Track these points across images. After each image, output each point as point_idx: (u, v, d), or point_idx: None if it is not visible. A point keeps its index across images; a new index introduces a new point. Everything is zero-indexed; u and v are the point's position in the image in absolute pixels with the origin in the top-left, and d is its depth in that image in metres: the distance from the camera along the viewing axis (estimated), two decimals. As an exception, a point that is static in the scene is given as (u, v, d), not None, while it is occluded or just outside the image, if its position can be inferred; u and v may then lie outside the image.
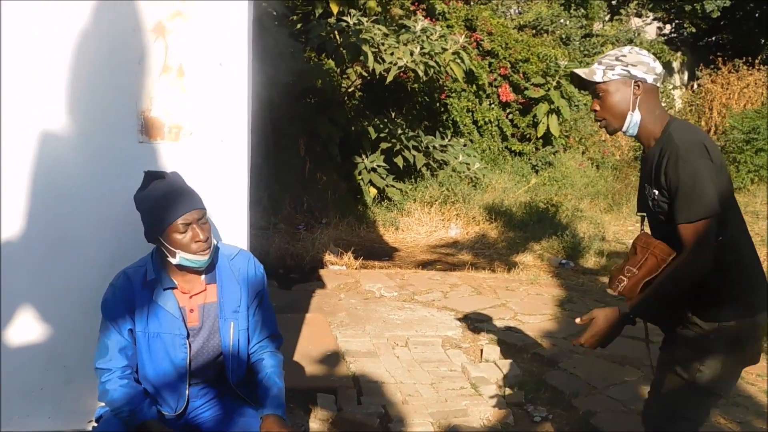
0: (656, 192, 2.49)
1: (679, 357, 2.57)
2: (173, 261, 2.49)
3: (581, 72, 2.57)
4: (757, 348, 2.55)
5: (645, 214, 2.65)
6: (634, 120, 2.53)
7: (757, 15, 17.87)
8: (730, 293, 2.46)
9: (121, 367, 2.51)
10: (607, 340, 2.57)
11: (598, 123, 2.64)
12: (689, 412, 2.59)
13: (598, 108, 2.58)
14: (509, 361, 4.74)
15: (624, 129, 2.57)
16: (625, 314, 2.51)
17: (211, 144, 2.97)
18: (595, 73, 2.54)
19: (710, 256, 2.37)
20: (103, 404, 2.57)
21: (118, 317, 2.50)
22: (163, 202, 2.46)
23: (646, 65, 2.52)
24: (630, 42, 15.63)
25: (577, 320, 2.63)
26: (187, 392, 2.58)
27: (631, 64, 2.51)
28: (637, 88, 2.51)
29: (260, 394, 2.62)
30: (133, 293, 2.52)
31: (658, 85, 2.57)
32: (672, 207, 2.42)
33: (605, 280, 7.19)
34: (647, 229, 2.67)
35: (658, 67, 2.55)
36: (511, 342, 5.13)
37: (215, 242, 2.58)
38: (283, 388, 2.67)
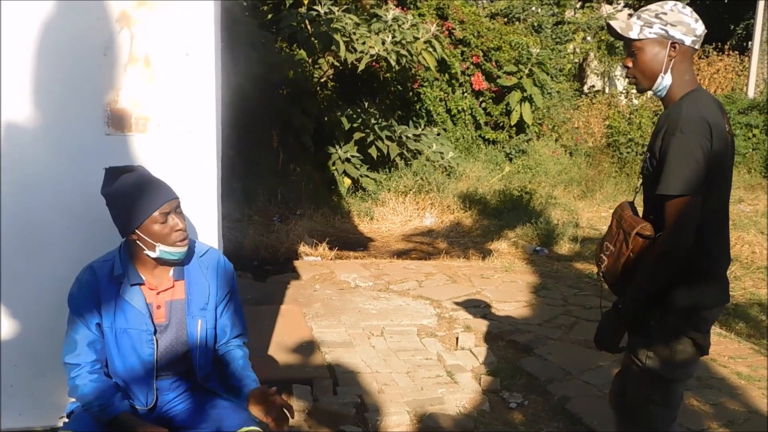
0: (649, 154, 2.46)
1: (632, 344, 2.57)
2: (152, 254, 2.45)
3: (616, 25, 2.46)
4: (707, 340, 2.51)
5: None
6: (664, 83, 2.44)
7: (726, 1, 18.03)
8: (685, 281, 2.40)
9: (91, 361, 2.47)
10: (612, 341, 2.54)
11: (628, 79, 2.54)
12: (656, 396, 2.57)
13: (630, 65, 2.48)
14: (484, 348, 4.76)
15: (654, 90, 2.48)
16: (617, 308, 2.48)
17: (179, 135, 2.93)
18: (632, 28, 2.42)
19: (690, 238, 2.32)
20: (73, 400, 2.54)
21: (85, 312, 2.46)
22: (137, 194, 2.41)
23: (686, 26, 2.39)
24: (602, 29, 15.69)
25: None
26: (155, 387, 2.55)
27: (671, 23, 2.38)
28: (673, 49, 2.40)
29: (234, 383, 2.60)
30: (98, 288, 2.48)
31: (696, 47, 2.44)
32: (657, 175, 2.36)
33: (579, 266, 7.25)
34: (640, 196, 2.62)
35: (699, 28, 2.42)
36: (486, 330, 5.15)
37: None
38: (255, 377, 2.66)
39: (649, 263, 2.37)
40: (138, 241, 2.44)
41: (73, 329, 2.49)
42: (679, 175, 2.28)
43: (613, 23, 2.47)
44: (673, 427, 2.65)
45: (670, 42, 2.39)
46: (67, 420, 2.56)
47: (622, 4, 18.75)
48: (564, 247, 8.08)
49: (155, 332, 2.51)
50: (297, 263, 6.87)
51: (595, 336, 2.58)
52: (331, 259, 7.16)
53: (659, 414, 2.58)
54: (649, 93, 2.55)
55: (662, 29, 2.38)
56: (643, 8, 2.44)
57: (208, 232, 3.04)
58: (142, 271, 2.52)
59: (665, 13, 2.39)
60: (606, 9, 17.74)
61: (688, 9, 2.42)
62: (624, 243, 2.45)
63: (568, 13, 16.85)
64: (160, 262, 2.50)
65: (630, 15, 2.49)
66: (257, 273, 6.49)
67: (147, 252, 2.45)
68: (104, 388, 2.45)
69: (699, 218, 2.33)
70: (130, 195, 2.42)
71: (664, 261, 2.34)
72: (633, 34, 2.41)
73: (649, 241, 2.40)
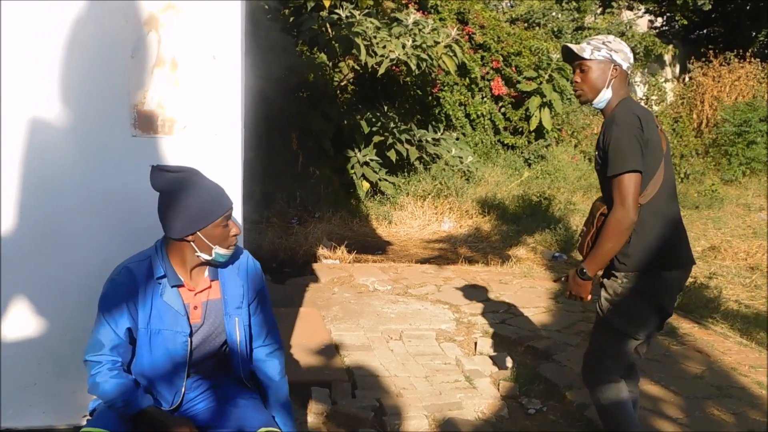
0: (597, 153, 2.98)
1: (598, 297, 3.09)
2: (205, 256, 2.48)
3: (573, 46, 2.99)
4: (667, 300, 3.01)
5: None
6: (605, 96, 3.00)
7: (748, 8, 17.89)
8: (642, 247, 2.91)
9: (111, 360, 2.48)
10: (578, 292, 3.07)
11: (575, 92, 3.08)
12: (607, 348, 3.09)
13: (579, 80, 3.03)
14: (503, 353, 4.75)
15: (595, 102, 3.02)
16: (581, 271, 2.99)
17: (205, 138, 2.95)
18: (585, 50, 2.98)
19: (634, 209, 2.80)
20: (95, 397, 2.55)
21: (116, 314, 2.47)
22: (206, 197, 2.44)
23: (624, 54, 2.99)
24: (622, 35, 15.63)
25: (555, 280, 3.19)
26: (183, 387, 2.57)
27: (614, 50, 2.97)
28: (614, 70, 2.97)
29: (269, 399, 2.71)
30: (136, 289, 2.49)
31: (629, 72, 3.03)
32: (605, 165, 2.86)
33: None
34: None
35: (632, 58, 3.03)
36: (504, 335, 5.14)
37: None
38: (287, 391, 2.75)
39: (604, 233, 2.87)
40: (193, 243, 2.46)
41: (99, 330, 2.49)
42: (619, 158, 2.79)
43: (569, 45, 3.01)
44: (622, 390, 3.11)
45: (612, 64, 2.97)
46: (90, 418, 2.58)
47: (643, 10, 18.69)
48: (583, 254, 8.03)
49: (191, 334, 2.53)
50: (315, 266, 6.89)
51: (568, 293, 3.11)
52: (349, 263, 7.17)
53: (608, 365, 3.10)
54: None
55: (608, 54, 2.96)
56: (591, 38, 3.05)
57: (232, 234, 3.06)
58: (180, 272, 2.54)
59: (610, 42, 2.99)
60: (626, 15, 17.69)
61: (624, 42, 3.03)
62: (591, 223, 3.00)
63: (589, 19, 16.83)
64: (207, 263, 2.53)
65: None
66: (276, 275, 6.51)
67: (199, 254, 2.47)
68: (126, 383, 2.46)
69: (641, 191, 2.84)
70: (198, 197, 2.43)
71: (615, 227, 2.83)
72: (586, 54, 2.97)
73: (604, 217, 2.91)
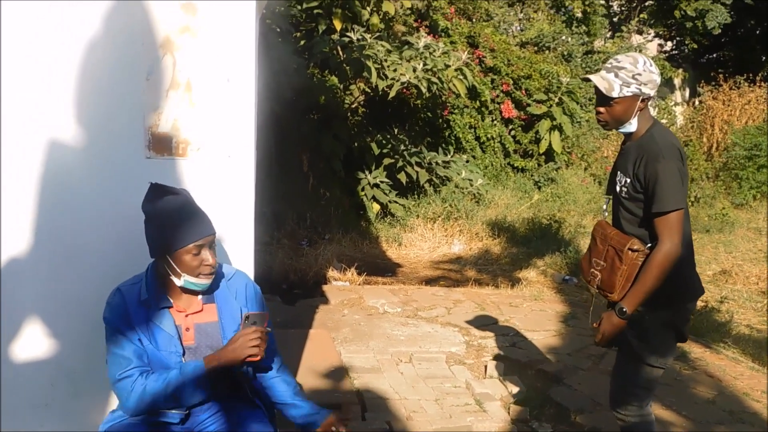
0: (627, 180, 2.88)
1: (627, 336, 2.95)
2: (177, 282, 2.48)
3: (601, 86, 2.83)
4: (687, 328, 3.01)
5: (611, 197, 3.08)
6: (630, 126, 2.90)
7: (758, 32, 17.95)
8: (674, 281, 2.81)
9: (141, 368, 2.46)
10: (613, 339, 2.96)
11: (599, 121, 2.96)
12: (639, 381, 3.01)
13: (603, 111, 2.89)
14: (513, 377, 4.74)
15: (619, 129, 2.93)
16: (621, 311, 2.85)
17: (218, 160, 2.97)
18: (614, 88, 2.80)
19: (680, 245, 2.75)
20: (107, 419, 2.55)
21: (125, 329, 2.48)
22: (177, 220, 2.43)
23: (654, 83, 2.83)
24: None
25: (593, 324, 3.04)
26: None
27: (644, 83, 2.80)
28: (642, 102, 2.84)
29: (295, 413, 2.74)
30: (127, 311, 2.49)
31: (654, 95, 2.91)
32: (645, 197, 2.80)
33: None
34: (609, 210, 3.11)
35: (659, 80, 2.88)
36: (515, 358, 5.13)
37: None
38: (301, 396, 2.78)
39: (652, 270, 2.76)
40: (166, 266, 2.47)
41: (118, 347, 2.47)
42: (669, 195, 2.72)
43: (597, 83, 2.84)
44: (651, 415, 3.12)
45: (641, 97, 2.83)
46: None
47: (653, 34, 18.76)
48: (593, 277, 8.00)
49: (183, 354, 2.53)
50: (325, 287, 6.89)
51: (601, 336, 2.95)
52: (359, 284, 7.17)
53: (641, 395, 3.05)
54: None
55: (637, 88, 2.80)
56: (619, 64, 2.84)
57: (244, 256, 3.07)
58: (171, 293, 2.54)
59: (640, 74, 2.80)
60: (636, 39, 17.76)
61: (653, 64, 2.87)
62: (617, 258, 2.85)
63: (598, 43, 16.90)
64: (183, 290, 2.53)
65: (607, 70, 2.87)
66: (286, 296, 6.52)
67: (172, 277, 2.48)
68: (168, 370, 2.46)
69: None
70: (171, 219, 2.43)
71: (665, 264, 2.75)
72: (614, 94, 2.81)
73: (638, 253, 2.81)
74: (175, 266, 2.44)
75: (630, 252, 2.81)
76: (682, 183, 2.75)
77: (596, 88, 2.86)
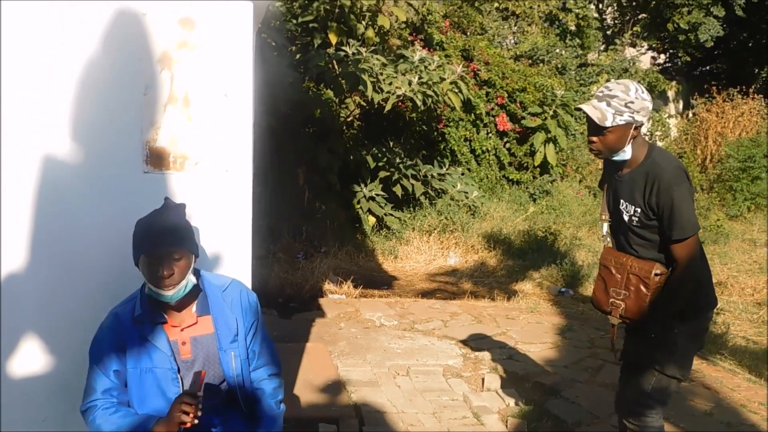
0: (638, 210, 2.88)
1: (643, 350, 2.99)
2: (147, 291, 2.51)
3: (593, 116, 2.79)
4: (706, 337, 3.14)
5: (609, 221, 3.10)
6: (625, 155, 2.89)
7: (750, 45, 18.05)
8: (696, 294, 2.90)
9: (104, 401, 2.49)
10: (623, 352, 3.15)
11: (591, 150, 2.95)
12: (656, 394, 3.02)
13: (596, 141, 2.87)
14: (511, 390, 4.73)
15: (612, 157, 2.92)
16: (653, 338, 2.92)
17: (216, 174, 2.98)
18: (607, 117, 2.77)
19: (699, 265, 2.89)
20: None
21: (105, 358, 2.48)
22: (140, 230, 2.49)
23: (646, 110, 2.82)
24: (625, 71, 15.75)
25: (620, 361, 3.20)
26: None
27: (636, 110, 2.78)
28: (635, 130, 2.84)
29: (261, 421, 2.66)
30: (123, 332, 2.50)
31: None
32: (660, 223, 2.83)
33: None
34: (609, 236, 3.14)
35: (651, 106, 2.87)
36: (512, 371, 5.12)
37: (193, 279, 2.54)
38: (278, 415, 2.71)
39: (674, 292, 2.85)
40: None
41: (89, 378, 2.51)
42: (686, 221, 2.77)
43: (590, 113, 2.79)
44: (660, 420, 3.11)
45: (633, 125, 2.81)
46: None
47: (646, 47, 18.84)
48: (589, 289, 8.02)
49: (179, 370, 2.52)
50: (322, 301, 6.89)
51: (638, 363, 3.04)
52: (355, 297, 7.17)
53: (656, 407, 3.05)
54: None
55: (630, 116, 2.78)
56: (610, 93, 2.80)
57: (241, 269, 3.07)
58: (164, 308, 2.54)
59: (632, 102, 2.77)
60: (630, 51, 17.84)
61: (645, 91, 2.84)
62: (642, 285, 2.90)
63: (592, 56, 16.97)
64: (168, 304, 2.52)
65: (599, 99, 2.83)
66: (282, 310, 6.51)
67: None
68: (125, 415, 2.47)
69: None
70: (138, 230, 2.49)
71: (688, 288, 2.85)
72: (608, 123, 2.78)
73: (661, 276, 2.87)
74: (142, 274, 2.48)
75: (655, 277, 2.87)
76: (693, 205, 2.81)
77: (588, 117, 2.81)
